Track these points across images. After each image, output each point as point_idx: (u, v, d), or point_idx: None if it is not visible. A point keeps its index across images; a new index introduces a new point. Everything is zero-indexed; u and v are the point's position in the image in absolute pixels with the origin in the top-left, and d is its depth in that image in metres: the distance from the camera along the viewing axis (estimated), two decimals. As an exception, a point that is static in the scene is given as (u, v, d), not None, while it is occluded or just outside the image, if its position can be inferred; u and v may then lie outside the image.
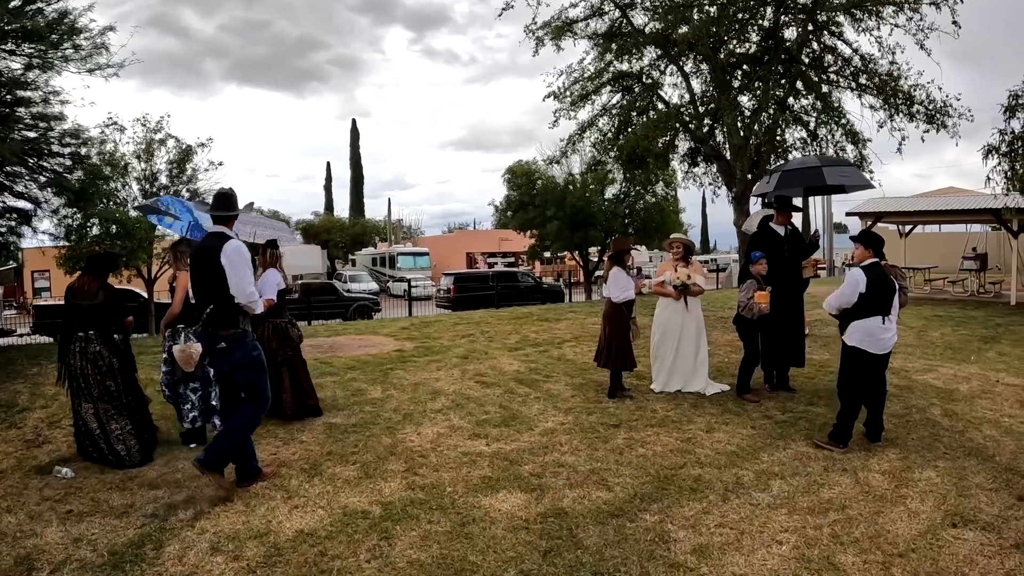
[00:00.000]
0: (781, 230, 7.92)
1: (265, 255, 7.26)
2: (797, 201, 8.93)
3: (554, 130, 16.46)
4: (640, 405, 7.58)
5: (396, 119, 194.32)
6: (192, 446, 6.34)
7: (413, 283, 38.14)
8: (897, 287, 7.34)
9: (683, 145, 15.99)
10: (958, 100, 12.78)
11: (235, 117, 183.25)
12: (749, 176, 13.82)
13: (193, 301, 5.19)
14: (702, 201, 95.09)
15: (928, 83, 12.93)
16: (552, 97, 15.54)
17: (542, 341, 12.42)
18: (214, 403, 5.49)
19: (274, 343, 7.02)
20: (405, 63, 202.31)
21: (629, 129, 14.51)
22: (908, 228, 24.69)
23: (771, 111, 13.83)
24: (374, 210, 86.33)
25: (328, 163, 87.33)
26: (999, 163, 15.13)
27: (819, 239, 8.12)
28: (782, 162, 12.63)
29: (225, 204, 5.13)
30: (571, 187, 24.22)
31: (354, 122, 74.30)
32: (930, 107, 12.91)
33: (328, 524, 4.68)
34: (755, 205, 13.82)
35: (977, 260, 20.17)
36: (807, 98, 14.34)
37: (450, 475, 5.64)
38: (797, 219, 8.46)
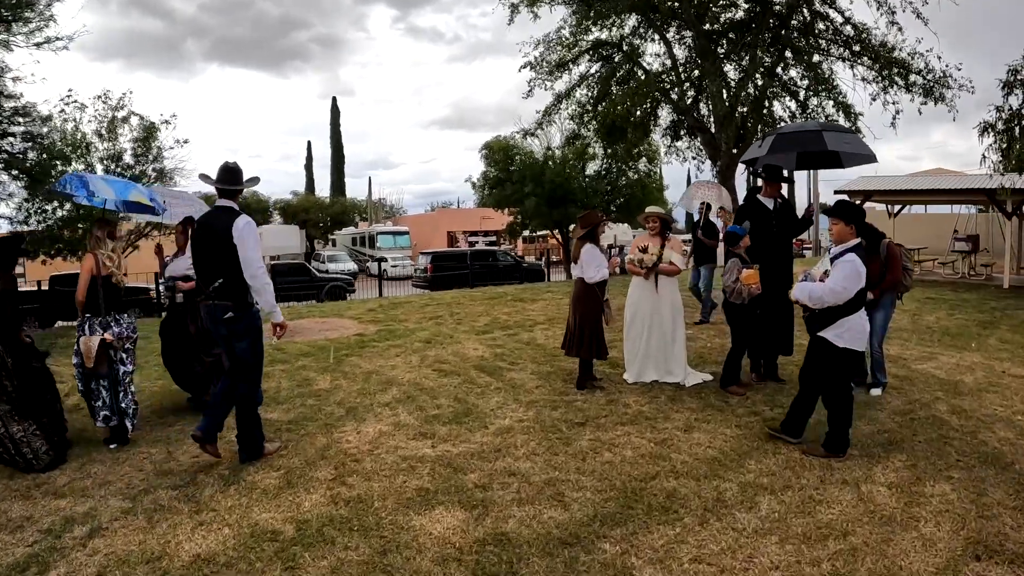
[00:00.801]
0: (770, 203, 7.06)
1: (186, 233, 6.64)
2: (795, 174, 8.06)
3: (533, 103, 15.49)
4: (611, 398, 6.74)
5: (380, 98, 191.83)
6: (112, 447, 5.72)
7: (391, 262, 37.45)
8: (903, 268, 6.58)
9: (665, 117, 15.10)
10: (959, 71, 11.92)
11: (218, 97, 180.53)
12: (735, 150, 12.95)
13: (191, 275, 5.38)
14: (687, 179, 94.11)
15: (927, 51, 12.07)
16: (528, 68, 14.58)
17: (513, 324, 11.57)
18: (123, 405, 5.45)
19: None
20: (389, 42, 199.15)
21: (607, 99, 13.55)
22: (897, 208, 23.99)
23: (759, 80, 12.95)
24: (357, 190, 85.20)
25: (309, 142, 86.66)
26: (995, 141, 14.41)
27: (812, 214, 7.28)
28: (780, 126, 11.70)
29: (231, 177, 5.07)
30: (550, 163, 23.26)
31: (334, 100, 73.30)
32: (928, 77, 12.05)
33: (231, 547, 3.94)
34: (740, 175, 13.04)
35: (968, 242, 19.46)
36: (797, 68, 13.45)
37: (382, 485, 4.83)
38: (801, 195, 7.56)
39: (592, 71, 14.65)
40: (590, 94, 14.42)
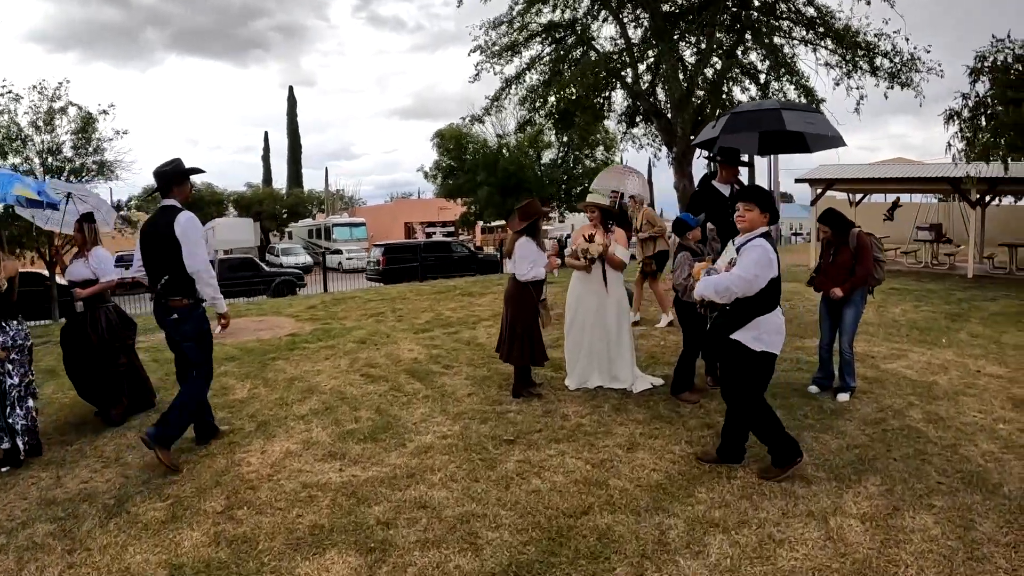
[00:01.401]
0: (726, 189, 6.33)
1: (83, 231, 6.13)
2: (761, 158, 7.33)
3: (490, 91, 14.55)
4: (549, 408, 5.95)
5: (341, 88, 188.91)
6: (4, 470, 5.11)
7: (347, 255, 36.33)
8: (874, 260, 5.92)
9: (620, 103, 14.35)
10: (928, 52, 11.31)
11: (177, 88, 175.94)
12: (692, 137, 12.24)
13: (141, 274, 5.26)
14: (648, 168, 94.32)
15: (894, 33, 11.43)
16: (478, 51, 13.70)
17: (456, 320, 10.76)
18: (11, 421, 5.09)
19: (118, 329, 6.20)
20: (350, 30, 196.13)
21: (558, 81, 12.74)
22: (859, 197, 23.59)
23: (717, 63, 12.24)
24: (317, 181, 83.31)
25: (266, 133, 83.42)
26: (961, 129, 13.97)
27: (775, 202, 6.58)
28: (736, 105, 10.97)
29: (159, 181, 5.01)
30: (504, 151, 22.39)
31: (291, 90, 71.13)
32: (895, 60, 11.42)
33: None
34: (697, 160, 12.35)
35: (931, 230, 19.09)
36: (757, 52, 12.76)
37: (273, 521, 4.09)
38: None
39: (543, 54, 13.80)
40: (541, 78, 13.57)
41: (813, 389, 6.28)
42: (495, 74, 13.74)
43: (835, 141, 6.45)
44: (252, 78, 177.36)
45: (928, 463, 4.71)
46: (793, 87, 12.43)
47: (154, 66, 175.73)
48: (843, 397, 6.04)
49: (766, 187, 6.97)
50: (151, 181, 5.12)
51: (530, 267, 6.01)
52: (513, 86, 13.54)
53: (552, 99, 13.46)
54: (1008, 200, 24.23)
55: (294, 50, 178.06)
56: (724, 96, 12.41)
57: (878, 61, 11.67)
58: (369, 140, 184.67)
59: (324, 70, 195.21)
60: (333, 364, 8.05)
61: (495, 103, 13.90)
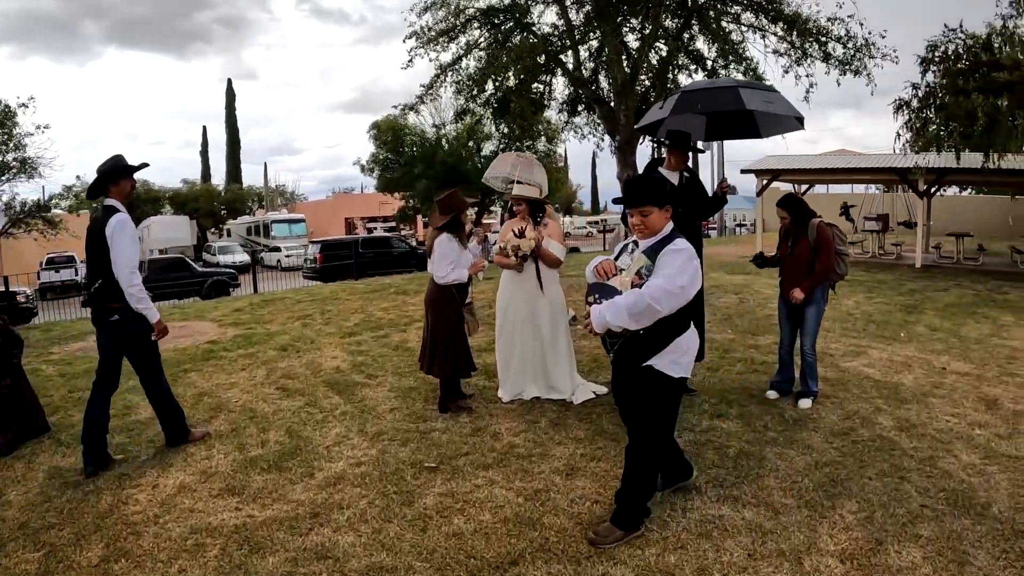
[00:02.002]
0: (674, 177, 5.66)
1: None
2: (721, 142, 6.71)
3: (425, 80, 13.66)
4: (479, 425, 5.22)
5: (284, 81, 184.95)
6: None
7: (285, 252, 35.02)
8: (836, 253, 5.36)
9: (562, 91, 13.71)
10: (883, 38, 10.85)
11: (116, 82, 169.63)
12: (636, 126, 11.64)
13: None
14: (592, 161, 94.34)
15: (848, 18, 10.96)
16: (413, 38, 12.86)
17: (386, 322, 9.97)
18: None
19: (1, 347, 5.46)
20: (294, 23, 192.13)
21: (495, 67, 12.00)
22: (804, 188, 23.46)
23: (663, 48, 11.65)
24: (259, 176, 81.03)
25: (204, 127, 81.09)
26: (910, 119, 13.73)
27: (729, 190, 5.91)
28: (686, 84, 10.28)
29: (93, 185, 4.77)
30: (443, 142, 21.54)
31: (230, 83, 68.94)
32: (849, 45, 10.96)
33: None
34: (643, 147, 11.75)
35: (878, 221, 18.94)
36: (703, 38, 12.19)
37: None
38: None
39: (480, 40, 13.03)
40: (478, 65, 12.79)
41: (772, 394, 5.68)
42: (430, 61, 12.93)
43: (792, 123, 5.85)
44: (193, 71, 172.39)
45: (907, 481, 4.12)
46: (741, 74, 11.92)
47: (93, 59, 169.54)
48: (805, 403, 5.45)
49: (723, 175, 6.19)
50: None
51: (450, 268, 5.28)
52: (449, 73, 12.73)
53: (490, 86, 12.71)
54: (953, 191, 24.47)
55: (236, 43, 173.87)
56: (670, 82, 11.81)
57: (830, 46, 11.19)
58: (312, 135, 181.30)
59: (267, 63, 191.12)
60: (249, 376, 7.21)
61: (429, 91, 13.07)
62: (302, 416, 5.73)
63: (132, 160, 4.80)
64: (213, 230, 51.44)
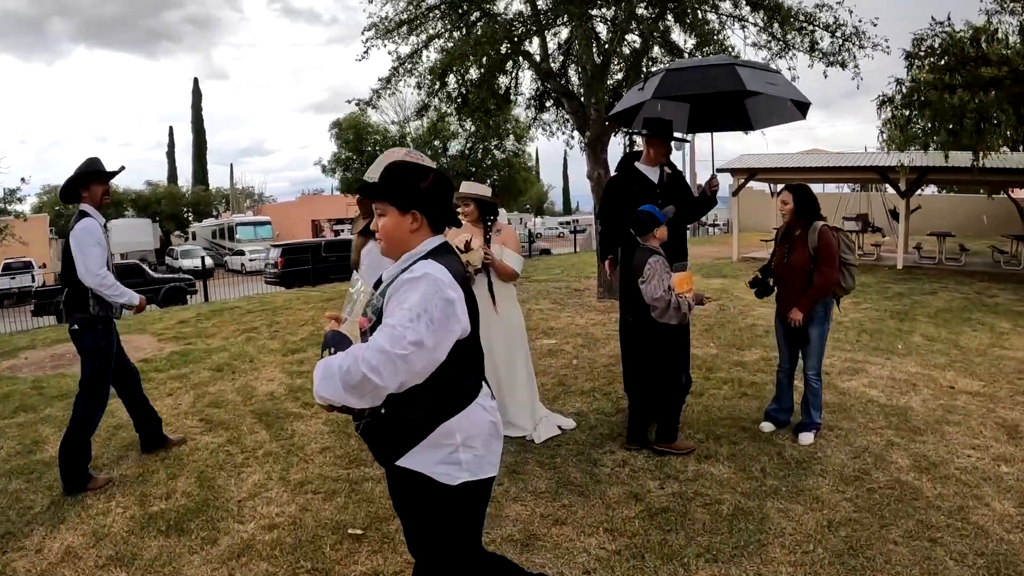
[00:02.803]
0: (653, 173, 4.85)
1: None
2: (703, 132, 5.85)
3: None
4: (423, 471, 4.37)
5: (255, 82, 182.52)
6: None
7: (250, 256, 33.84)
8: (841, 263, 4.60)
9: (529, 85, 12.88)
10: (874, 26, 10.13)
11: (85, 82, 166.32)
12: (607, 122, 10.83)
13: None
14: (563, 160, 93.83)
15: (836, 3, 10.23)
16: (372, 30, 11.94)
17: (337, 337, 9.05)
18: None
19: None
20: (264, 22, 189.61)
21: (458, 58, 11.12)
22: (780, 188, 22.89)
23: (636, 38, 10.87)
24: (227, 178, 79.40)
25: (171, 128, 78.44)
26: (893, 116, 13.18)
27: (718, 187, 5.09)
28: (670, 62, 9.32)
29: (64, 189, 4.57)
30: (407, 142, 20.61)
31: (196, 82, 67.01)
32: (837, 34, 10.24)
33: None
34: (618, 143, 10.97)
35: (858, 221, 18.39)
36: (682, 26, 11.39)
37: None
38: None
39: (443, 31, 12.13)
40: (439, 56, 11.88)
41: (767, 427, 4.88)
42: (389, 54, 12.02)
43: (790, 112, 5.03)
44: (163, 71, 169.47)
45: (939, 544, 3.35)
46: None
47: (61, 58, 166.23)
48: (807, 438, 4.66)
49: (713, 170, 5.35)
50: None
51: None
52: (408, 65, 11.80)
53: (452, 81, 11.84)
54: (931, 190, 24.11)
55: (206, 42, 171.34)
56: (644, 75, 11.00)
57: (817, 35, 10.46)
58: (283, 136, 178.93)
59: (237, 63, 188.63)
60: (174, 403, 6.30)
61: (388, 85, 12.13)
62: (220, 458, 4.86)
63: (108, 164, 4.58)
64: (178, 233, 50.14)
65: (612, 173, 5.84)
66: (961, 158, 13.41)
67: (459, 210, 4.62)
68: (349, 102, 11.81)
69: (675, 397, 4.49)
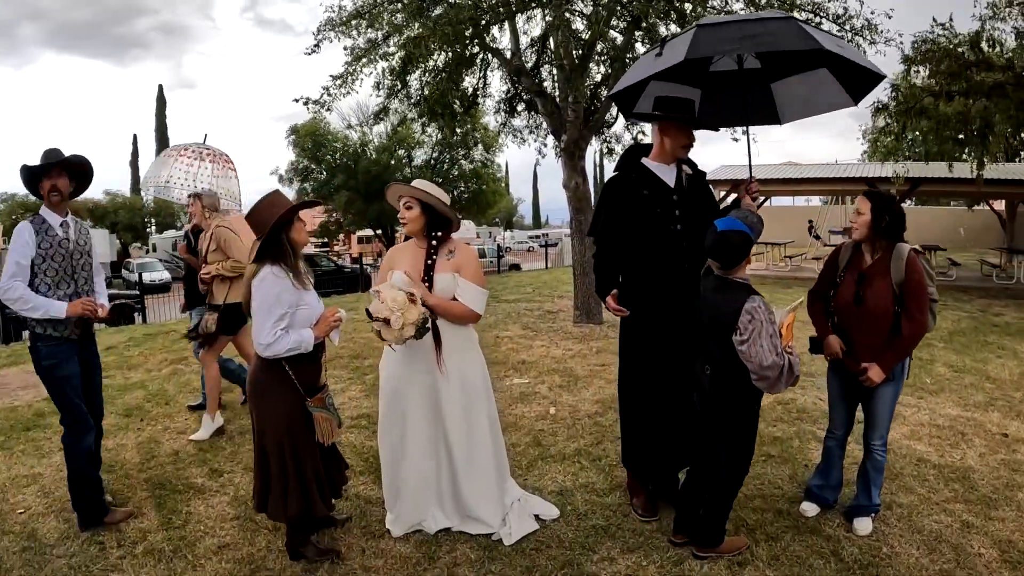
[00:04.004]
0: (668, 173, 3.64)
1: None
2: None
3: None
4: (349, 584, 3.17)
5: (225, 91, 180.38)
6: None
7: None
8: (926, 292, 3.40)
9: (498, 87, 11.75)
10: (889, 18, 9.12)
11: (54, 87, 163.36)
12: (610, 92, 9.65)
13: None
14: (533, 173, 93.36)
15: (847, -8, 9.17)
16: (328, 25, 10.68)
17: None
18: None
19: None
20: (236, 32, 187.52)
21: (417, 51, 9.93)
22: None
23: (617, 35, 9.77)
24: (190, 188, 77.51)
25: (135, 135, 77.35)
26: (888, 123, 12.46)
27: (758, 193, 3.74)
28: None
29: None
30: (368, 149, 19.34)
31: (160, 89, 65.95)
32: (847, 27, 9.20)
33: None
34: (598, 148, 9.82)
35: (845, 233, 17.55)
36: (668, 19, 10.27)
37: None
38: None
39: (403, 23, 10.91)
40: (400, 54, 10.65)
41: (809, 509, 3.71)
42: (345, 49, 10.72)
43: (835, 97, 3.79)
44: (131, 78, 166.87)
45: None
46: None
47: (30, 63, 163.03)
48: (865, 526, 3.51)
49: (749, 175, 4.03)
50: None
51: (280, 328, 3.05)
52: (364, 60, 10.53)
53: (414, 81, 10.65)
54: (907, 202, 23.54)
55: (175, 50, 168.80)
56: (629, 60, 9.83)
57: (825, 26, 9.44)
58: (252, 147, 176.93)
59: (208, 72, 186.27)
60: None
61: (343, 84, 10.84)
62: (89, 554, 3.61)
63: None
64: (137, 245, 48.24)
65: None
66: (956, 168, 12.70)
67: (399, 215, 3.41)
68: (297, 100, 10.52)
69: (733, 489, 3.31)
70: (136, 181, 65.05)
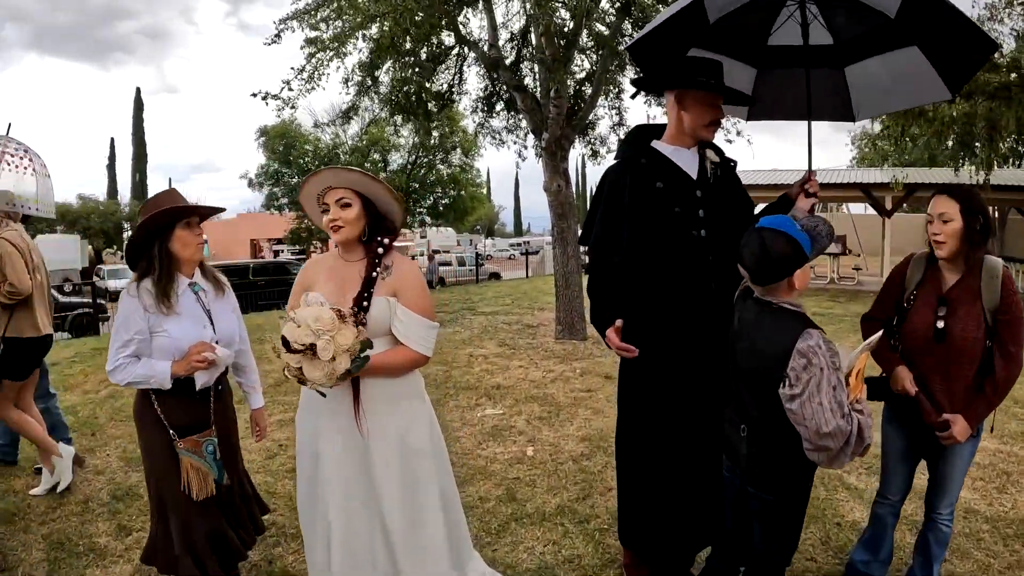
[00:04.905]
0: (688, 160, 2.76)
1: None
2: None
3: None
4: None
5: (209, 96, 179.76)
6: None
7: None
8: None
9: (475, 84, 11.02)
10: None
11: (36, 90, 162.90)
12: (571, 115, 8.95)
13: None
14: (515, 181, 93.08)
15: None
16: (292, 18, 9.86)
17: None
18: None
19: None
20: (219, 36, 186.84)
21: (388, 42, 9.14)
22: (820, 205, 21.56)
23: (603, 30, 9.05)
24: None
25: (112, 139, 76.82)
26: (887, 127, 11.96)
27: (817, 190, 2.79)
28: None
29: None
30: (339, 152, 18.57)
31: (138, 92, 65.18)
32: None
33: None
34: (577, 152, 9.06)
35: (838, 242, 16.99)
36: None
37: None
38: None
39: (376, 13, 10.10)
40: (369, 46, 9.85)
41: (854, 587, 2.95)
42: (308, 41, 9.89)
43: (929, 89, 2.96)
44: (113, 82, 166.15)
45: None
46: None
47: (11, 65, 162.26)
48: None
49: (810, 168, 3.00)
50: None
51: (126, 356, 2.52)
52: (330, 54, 9.71)
53: (384, 76, 9.88)
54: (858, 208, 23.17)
55: (158, 54, 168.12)
56: (616, 66, 9.09)
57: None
58: (234, 153, 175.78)
59: (190, 76, 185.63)
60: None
61: (309, 79, 10.00)
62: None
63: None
64: (110, 251, 47.04)
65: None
66: (945, 175, 12.19)
67: (326, 220, 2.47)
68: (255, 96, 9.64)
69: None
70: (112, 185, 64.57)
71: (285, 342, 2.18)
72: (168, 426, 2.54)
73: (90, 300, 21.41)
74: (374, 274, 2.41)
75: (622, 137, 9.73)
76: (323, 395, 2.33)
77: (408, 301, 2.41)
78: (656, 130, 2.84)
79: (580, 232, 2.98)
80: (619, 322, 2.68)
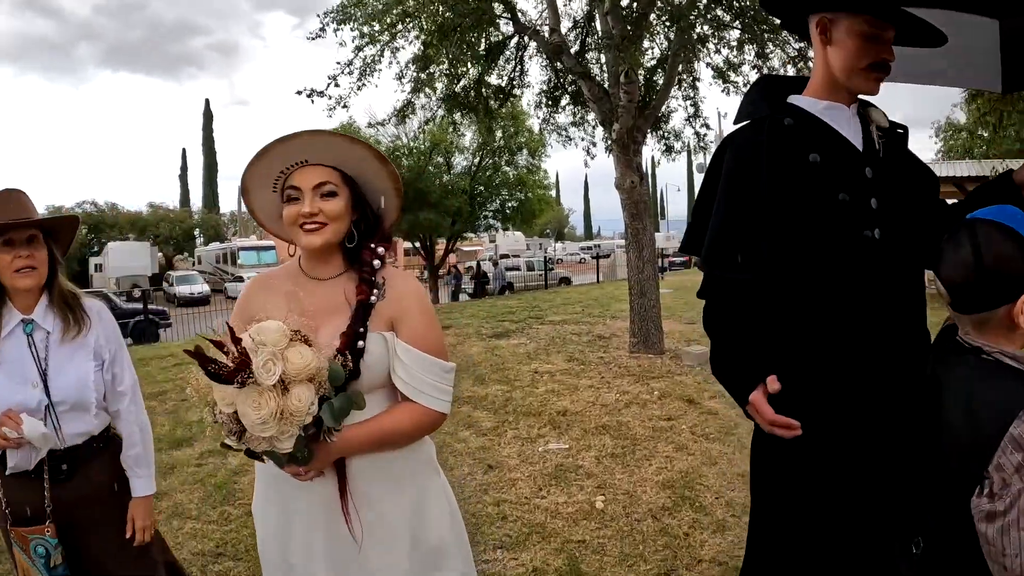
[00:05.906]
0: (848, 125, 1.72)
1: None
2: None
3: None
4: None
5: (278, 108, 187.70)
6: None
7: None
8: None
9: (538, 76, 10.30)
10: None
11: (110, 104, 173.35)
12: (643, 108, 8.10)
13: None
14: (584, 183, 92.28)
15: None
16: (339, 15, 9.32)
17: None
18: None
19: None
20: (286, 49, 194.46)
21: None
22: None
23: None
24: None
25: (184, 150, 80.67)
26: (982, 112, 10.98)
27: None
28: None
29: None
30: (400, 156, 18.19)
31: (207, 103, 68.10)
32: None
33: None
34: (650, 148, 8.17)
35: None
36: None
37: None
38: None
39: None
40: (425, 38, 9.19)
41: None
42: (354, 41, 9.27)
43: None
44: (187, 95, 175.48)
45: None
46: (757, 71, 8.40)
47: (86, 82, 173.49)
48: None
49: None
50: None
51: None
52: (380, 44, 9.09)
53: (437, 69, 9.26)
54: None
55: (228, 68, 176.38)
56: (689, 52, 8.16)
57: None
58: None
59: (260, 89, 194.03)
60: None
61: (360, 76, 9.40)
62: None
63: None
64: (180, 257, 48.55)
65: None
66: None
67: (302, 210, 1.61)
68: (300, 93, 9.10)
69: None
70: (185, 194, 67.96)
71: (201, 360, 1.40)
72: (6, 503, 1.94)
73: (153, 307, 21.53)
74: (374, 294, 1.61)
75: (691, 141, 8.74)
76: (279, 465, 1.54)
77: (412, 334, 1.62)
78: (790, 84, 1.87)
79: (684, 235, 1.99)
80: (773, 381, 1.63)
